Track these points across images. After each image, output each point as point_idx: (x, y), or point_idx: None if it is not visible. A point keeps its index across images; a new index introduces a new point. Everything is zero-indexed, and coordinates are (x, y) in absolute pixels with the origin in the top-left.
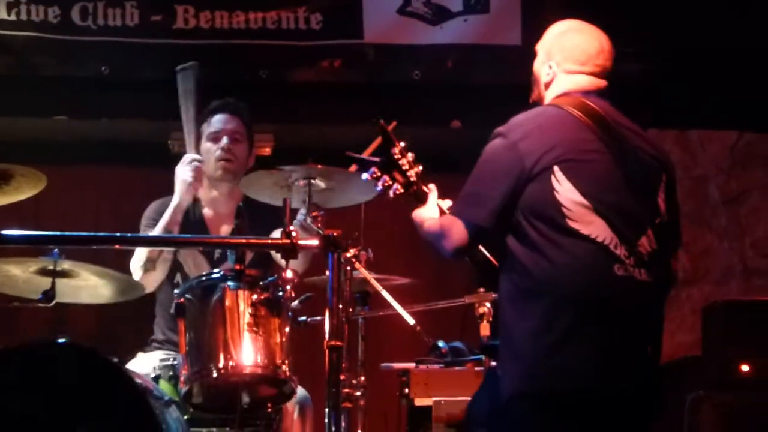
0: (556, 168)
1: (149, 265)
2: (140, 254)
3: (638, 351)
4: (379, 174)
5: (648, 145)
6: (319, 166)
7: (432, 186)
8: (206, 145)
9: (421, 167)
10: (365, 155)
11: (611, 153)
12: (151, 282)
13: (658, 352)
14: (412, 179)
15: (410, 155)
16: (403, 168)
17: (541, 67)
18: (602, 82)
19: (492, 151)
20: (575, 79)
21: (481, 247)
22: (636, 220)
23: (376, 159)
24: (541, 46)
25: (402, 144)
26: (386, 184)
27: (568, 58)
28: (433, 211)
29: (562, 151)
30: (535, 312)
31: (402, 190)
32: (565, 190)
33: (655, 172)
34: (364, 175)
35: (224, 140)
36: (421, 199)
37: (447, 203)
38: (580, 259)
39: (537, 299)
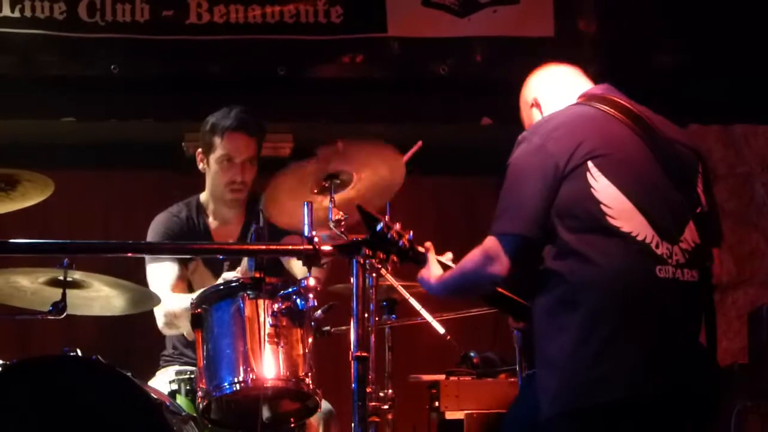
0: (590, 164)
1: (174, 327)
2: (165, 309)
3: (686, 356)
4: (371, 252)
5: (680, 135)
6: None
7: (428, 244)
8: (215, 166)
9: (411, 233)
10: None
11: (645, 144)
12: (169, 332)
13: (711, 355)
14: (405, 247)
15: (397, 225)
16: (393, 239)
17: (529, 112)
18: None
19: (519, 159)
20: (573, 82)
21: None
22: (677, 213)
23: (365, 239)
24: (522, 112)
25: (386, 217)
26: (381, 259)
27: (549, 81)
28: (436, 266)
29: (593, 145)
30: (572, 323)
31: (398, 260)
32: (602, 187)
33: (692, 162)
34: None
35: (239, 169)
36: (420, 261)
37: (447, 256)
38: (620, 263)
39: (574, 309)
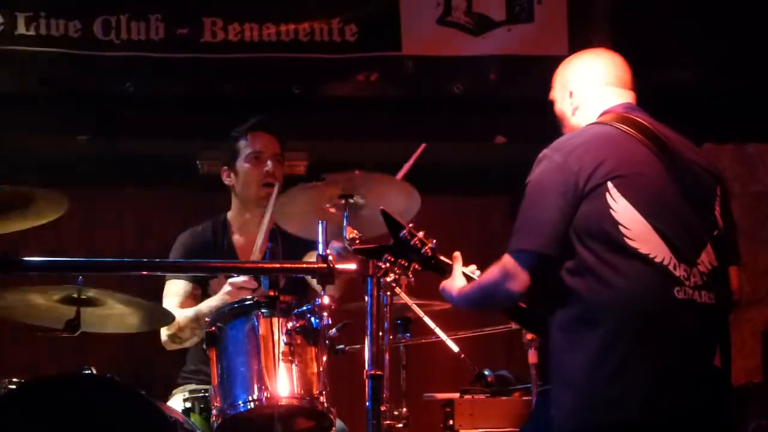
0: (609, 184)
1: (177, 340)
2: (171, 326)
3: (702, 378)
4: (393, 259)
5: (699, 157)
6: (358, 172)
7: (457, 254)
8: (245, 165)
9: (434, 241)
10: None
11: (664, 166)
12: (172, 347)
13: (725, 377)
14: (428, 255)
15: (420, 233)
16: (416, 247)
17: (562, 104)
18: (632, 94)
19: (539, 176)
20: (606, 92)
21: None
22: (695, 236)
23: (388, 245)
24: (555, 86)
25: (410, 224)
26: (404, 266)
27: (587, 78)
28: (460, 278)
29: (613, 165)
30: (589, 341)
31: (420, 268)
32: (621, 208)
33: (710, 184)
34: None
35: (269, 164)
36: (443, 271)
37: (471, 268)
38: (637, 284)
39: (591, 327)
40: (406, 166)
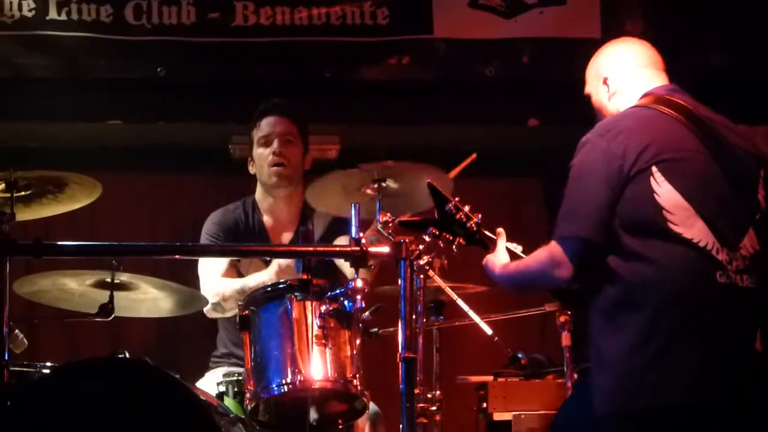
0: (654, 169)
1: (220, 309)
2: (215, 290)
3: (743, 363)
4: (437, 232)
5: (741, 139)
6: (392, 163)
7: (500, 230)
8: (258, 150)
9: (480, 216)
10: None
11: (708, 149)
12: (214, 315)
13: (766, 364)
14: (473, 230)
15: (466, 207)
16: (461, 221)
17: (598, 94)
18: (668, 78)
19: (583, 161)
20: (643, 74)
21: None
22: (737, 220)
23: (432, 218)
24: (589, 80)
25: (456, 198)
26: (448, 239)
27: (622, 65)
28: (504, 254)
29: (657, 150)
30: (630, 325)
31: (464, 243)
32: (665, 192)
33: (753, 167)
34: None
35: (275, 144)
36: (487, 246)
37: (515, 247)
38: (680, 267)
39: (632, 311)
40: (455, 172)
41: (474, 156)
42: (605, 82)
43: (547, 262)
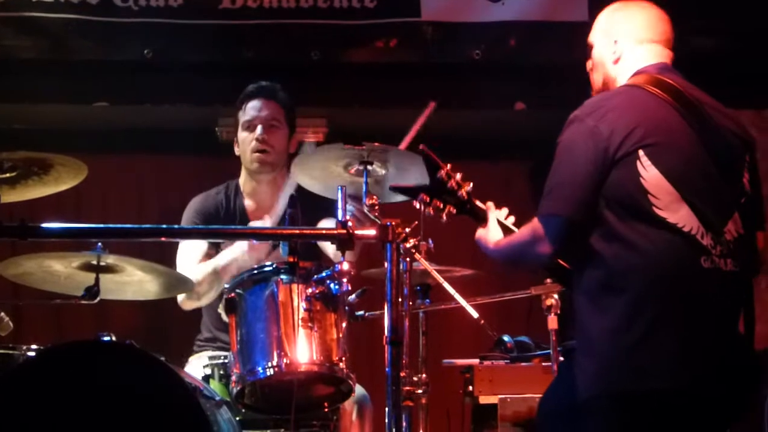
0: (641, 152)
1: (194, 296)
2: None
3: (726, 347)
4: (428, 199)
5: (730, 121)
6: (377, 144)
7: (490, 204)
8: (242, 134)
9: (471, 184)
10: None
11: (695, 133)
12: (189, 305)
13: (748, 347)
14: (463, 199)
15: (458, 175)
16: (453, 189)
17: (604, 50)
18: (671, 53)
19: (569, 139)
20: (646, 49)
21: None
22: (722, 204)
23: (424, 185)
24: (597, 32)
25: (448, 165)
26: (438, 207)
27: (631, 30)
28: (496, 229)
29: (644, 132)
30: (614, 308)
31: (455, 211)
32: (651, 176)
33: (739, 151)
34: (415, 203)
35: (258, 130)
36: (479, 216)
37: (504, 213)
38: (664, 252)
39: (617, 294)
40: (415, 127)
41: (433, 104)
42: (615, 43)
43: (529, 239)
